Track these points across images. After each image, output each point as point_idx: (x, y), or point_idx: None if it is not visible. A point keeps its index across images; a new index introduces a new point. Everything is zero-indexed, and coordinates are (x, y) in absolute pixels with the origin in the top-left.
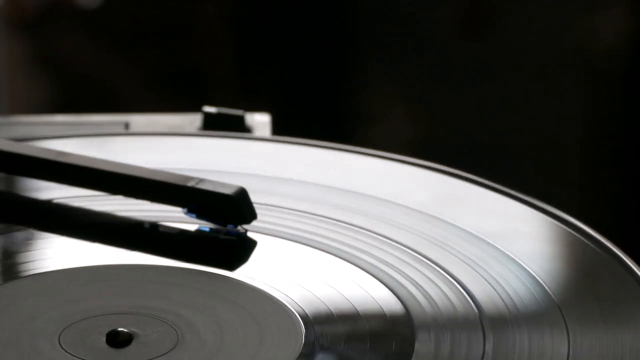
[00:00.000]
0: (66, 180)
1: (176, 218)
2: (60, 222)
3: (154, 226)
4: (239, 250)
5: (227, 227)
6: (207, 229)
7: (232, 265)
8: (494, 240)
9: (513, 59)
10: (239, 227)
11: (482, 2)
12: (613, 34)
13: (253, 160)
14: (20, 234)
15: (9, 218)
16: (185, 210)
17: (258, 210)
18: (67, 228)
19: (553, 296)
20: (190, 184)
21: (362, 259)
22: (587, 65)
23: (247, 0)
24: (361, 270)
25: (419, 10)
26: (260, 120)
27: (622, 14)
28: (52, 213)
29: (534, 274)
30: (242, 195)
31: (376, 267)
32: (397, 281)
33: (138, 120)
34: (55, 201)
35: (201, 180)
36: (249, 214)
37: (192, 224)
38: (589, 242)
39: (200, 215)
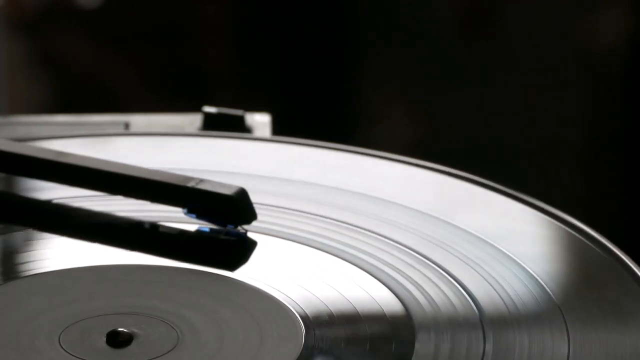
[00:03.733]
0: (66, 181)
1: (176, 218)
2: (60, 222)
3: (154, 226)
4: (239, 250)
5: (227, 228)
6: (207, 230)
7: (232, 266)
8: (494, 240)
9: (513, 59)
10: (239, 228)
11: (482, 2)
12: (613, 34)
13: (253, 160)
14: (20, 234)
15: (9, 218)
16: (185, 210)
17: (258, 210)
18: (67, 228)
19: (553, 296)
20: (190, 184)
21: (362, 259)
22: (587, 65)
23: (247, 1)
24: (361, 271)
25: (419, 10)
26: (260, 120)
27: (622, 14)
28: (52, 213)
29: (534, 275)
30: (242, 196)
31: (376, 267)
32: (397, 281)
33: (138, 120)
34: (55, 201)
35: (201, 181)
36: (249, 215)
37: (192, 224)
38: (589, 243)
39: (200, 216)
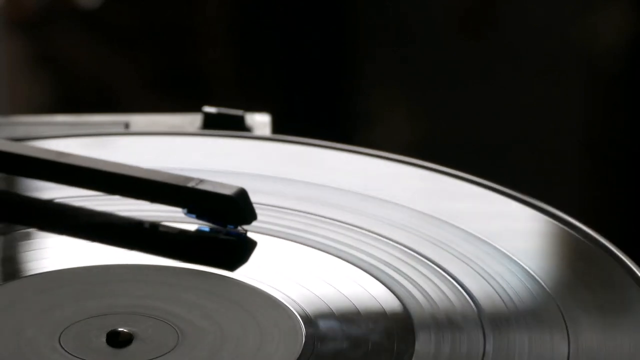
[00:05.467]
0: (66, 181)
1: (176, 218)
2: (60, 222)
3: (154, 226)
4: (239, 250)
5: (227, 228)
6: (207, 229)
7: (232, 266)
8: (493, 239)
9: (513, 58)
10: (239, 228)
11: (482, 2)
12: (613, 34)
13: (253, 160)
14: (20, 234)
15: (9, 218)
16: (185, 210)
17: (258, 210)
18: (67, 228)
19: (553, 296)
20: (190, 184)
21: (362, 259)
22: (587, 65)
23: (247, 1)
24: (361, 270)
25: (419, 10)
26: (260, 120)
27: (622, 14)
28: (53, 213)
29: (534, 274)
30: (242, 196)
31: (375, 266)
32: (397, 281)
33: (138, 120)
34: (56, 201)
35: (201, 181)
36: (249, 215)
37: (192, 224)
38: (588, 242)
39: (200, 216)
